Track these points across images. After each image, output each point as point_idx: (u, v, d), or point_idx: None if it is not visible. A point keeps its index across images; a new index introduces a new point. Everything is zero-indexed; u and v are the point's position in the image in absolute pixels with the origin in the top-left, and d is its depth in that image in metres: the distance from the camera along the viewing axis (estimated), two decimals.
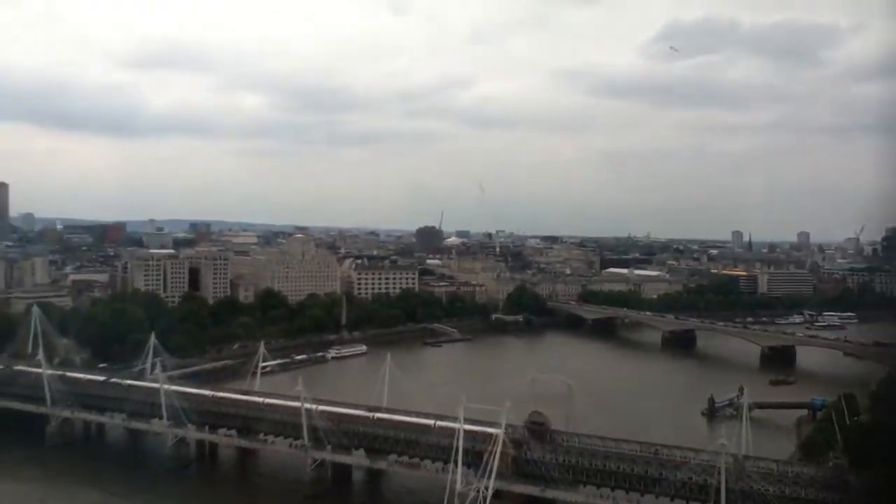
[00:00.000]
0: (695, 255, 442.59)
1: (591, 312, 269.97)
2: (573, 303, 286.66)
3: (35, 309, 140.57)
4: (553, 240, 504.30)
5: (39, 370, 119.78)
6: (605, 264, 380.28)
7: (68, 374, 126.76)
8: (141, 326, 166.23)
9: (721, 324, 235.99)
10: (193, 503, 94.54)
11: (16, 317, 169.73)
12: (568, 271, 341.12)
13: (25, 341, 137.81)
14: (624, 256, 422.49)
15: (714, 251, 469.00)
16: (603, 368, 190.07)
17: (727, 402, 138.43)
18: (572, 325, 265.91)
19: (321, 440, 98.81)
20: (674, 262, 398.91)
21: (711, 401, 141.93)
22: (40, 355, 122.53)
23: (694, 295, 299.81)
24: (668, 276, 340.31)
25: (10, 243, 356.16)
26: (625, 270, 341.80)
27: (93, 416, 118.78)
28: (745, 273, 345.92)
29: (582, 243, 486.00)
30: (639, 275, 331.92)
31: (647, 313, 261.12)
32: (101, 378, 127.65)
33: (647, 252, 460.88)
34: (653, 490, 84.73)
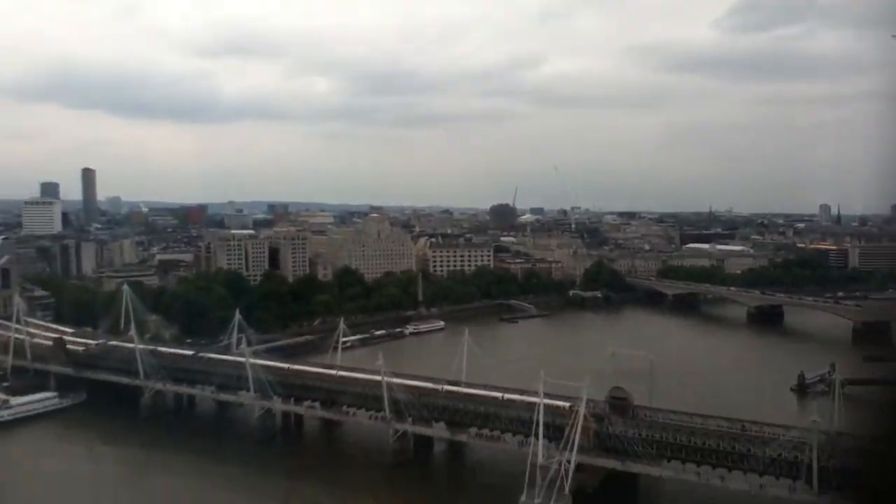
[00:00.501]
0: (780, 230, 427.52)
1: (671, 288, 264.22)
2: (653, 278, 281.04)
3: (125, 287, 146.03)
4: (630, 216, 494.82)
5: (132, 345, 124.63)
6: (686, 240, 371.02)
7: (159, 348, 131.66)
8: (225, 304, 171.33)
9: (810, 299, 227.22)
10: (280, 472, 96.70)
11: (107, 295, 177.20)
12: (647, 247, 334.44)
13: (117, 318, 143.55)
14: (705, 232, 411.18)
15: (801, 225, 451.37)
16: (685, 344, 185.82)
17: (818, 378, 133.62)
18: (652, 301, 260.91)
19: (402, 413, 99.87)
20: (758, 237, 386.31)
21: (801, 377, 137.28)
22: (132, 331, 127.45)
23: (780, 270, 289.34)
24: (751, 250, 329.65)
25: (99, 226, 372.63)
26: (706, 245, 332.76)
27: (183, 389, 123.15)
28: (834, 247, 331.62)
29: (661, 219, 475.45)
30: (721, 250, 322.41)
31: (731, 288, 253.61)
32: (190, 352, 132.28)
33: (730, 227, 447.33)
34: (740, 466, 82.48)
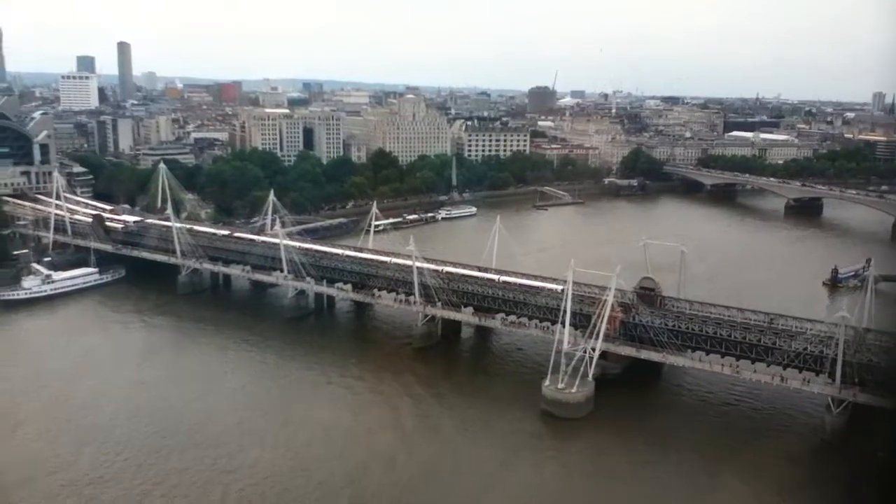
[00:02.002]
0: (828, 119, 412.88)
1: (709, 177, 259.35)
2: (691, 168, 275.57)
3: (162, 166, 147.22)
4: (674, 101, 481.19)
5: (169, 223, 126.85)
6: (729, 127, 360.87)
7: (195, 227, 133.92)
8: (260, 184, 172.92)
9: (852, 192, 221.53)
10: (312, 350, 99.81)
11: (144, 173, 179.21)
12: (688, 134, 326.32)
13: (154, 196, 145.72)
14: (750, 119, 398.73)
15: (850, 114, 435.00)
16: (720, 236, 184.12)
17: (852, 273, 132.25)
18: (690, 190, 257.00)
19: (431, 297, 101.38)
20: (804, 126, 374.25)
21: (835, 271, 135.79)
22: (169, 210, 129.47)
23: (824, 161, 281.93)
24: (796, 140, 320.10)
25: (135, 101, 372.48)
26: (749, 134, 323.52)
27: (219, 268, 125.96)
28: (883, 138, 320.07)
29: (705, 104, 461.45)
30: (764, 139, 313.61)
31: (771, 179, 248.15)
32: (226, 232, 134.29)
33: (776, 115, 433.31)
34: (765, 358, 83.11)
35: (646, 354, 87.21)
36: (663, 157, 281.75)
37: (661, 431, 78.50)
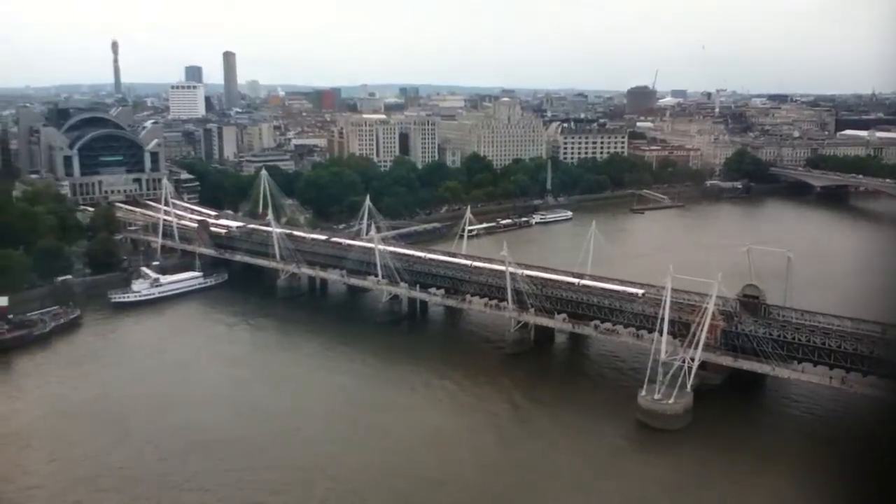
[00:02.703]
0: None
1: (819, 179, 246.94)
2: (800, 169, 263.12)
3: (263, 172, 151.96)
4: (781, 98, 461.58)
5: (270, 229, 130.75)
6: (841, 126, 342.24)
7: (294, 232, 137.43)
8: (356, 189, 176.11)
9: None
10: (404, 355, 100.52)
11: (247, 179, 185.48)
12: (796, 134, 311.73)
13: (256, 202, 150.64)
14: (864, 117, 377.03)
15: None
16: (830, 241, 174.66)
17: None
18: (797, 193, 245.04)
19: (525, 303, 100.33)
20: None
21: None
22: (269, 215, 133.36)
23: None
24: None
25: (239, 109, 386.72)
26: (864, 133, 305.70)
27: (317, 272, 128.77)
28: None
29: (815, 102, 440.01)
30: (880, 137, 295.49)
31: (888, 181, 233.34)
32: (324, 237, 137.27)
33: (893, 112, 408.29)
34: (877, 371, 77.95)
35: (748, 365, 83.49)
36: (769, 158, 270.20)
37: (764, 445, 74.88)
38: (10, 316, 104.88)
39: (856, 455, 70.42)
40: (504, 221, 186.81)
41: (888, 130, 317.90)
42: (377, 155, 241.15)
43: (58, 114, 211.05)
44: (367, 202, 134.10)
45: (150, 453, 73.35)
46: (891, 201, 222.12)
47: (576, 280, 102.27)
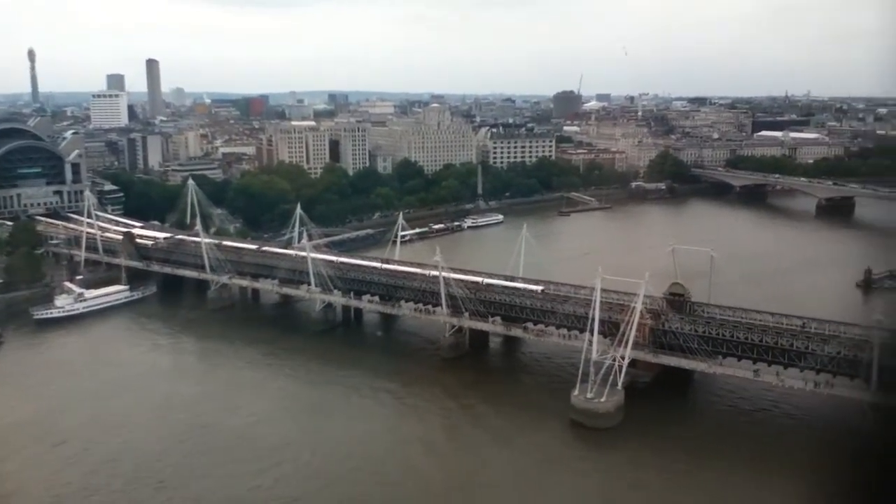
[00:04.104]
0: (859, 116, 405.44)
1: (738, 179, 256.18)
2: (720, 169, 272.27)
3: (190, 182, 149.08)
4: (701, 101, 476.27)
5: (198, 239, 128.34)
6: (758, 127, 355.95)
7: (224, 242, 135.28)
8: (287, 197, 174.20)
9: (886, 191, 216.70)
10: (339, 362, 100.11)
11: (173, 189, 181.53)
12: (716, 135, 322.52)
13: (184, 212, 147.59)
14: (779, 118, 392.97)
15: (883, 110, 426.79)
16: (750, 238, 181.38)
17: (886, 274, 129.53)
18: (718, 192, 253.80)
19: (459, 308, 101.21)
20: (834, 124, 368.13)
21: (868, 273, 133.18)
22: (198, 226, 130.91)
23: (856, 160, 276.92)
24: (827, 138, 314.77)
25: (164, 118, 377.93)
26: (779, 133, 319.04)
27: (248, 283, 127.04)
28: None
29: (733, 105, 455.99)
30: (794, 138, 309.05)
31: (802, 179, 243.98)
32: (254, 246, 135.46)
33: (806, 113, 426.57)
34: (797, 363, 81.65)
35: (675, 362, 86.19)
36: (691, 159, 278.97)
37: (693, 440, 77.45)
38: None
39: (781, 444, 73.92)
40: (436, 226, 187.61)
41: (801, 131, 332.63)
42: (307, 162, 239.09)
43: None
44: (299, 210, 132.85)
45: (78, 481, 71.16)
46: (805, 198, 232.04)
47: (508, 283, 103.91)
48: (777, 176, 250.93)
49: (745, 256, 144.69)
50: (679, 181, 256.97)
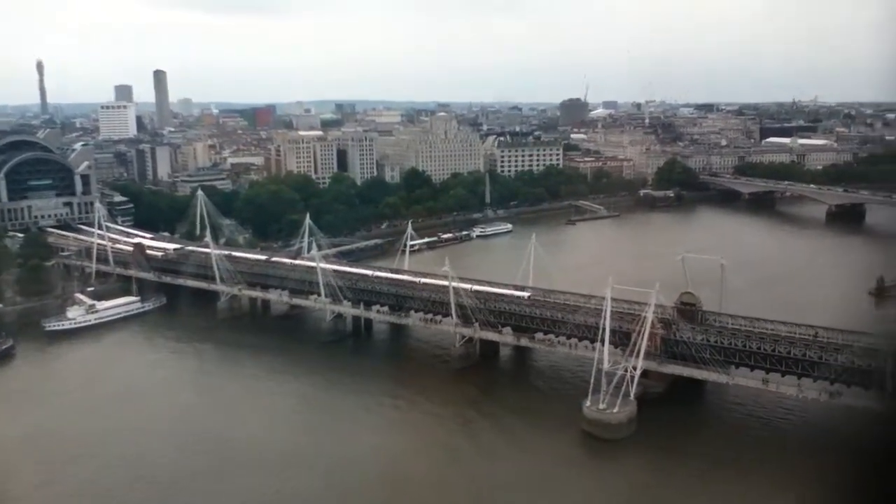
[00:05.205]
0: (868, 121, 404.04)
1: (747, 186, 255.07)
2: (728, 176, 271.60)
3: (199, 193, 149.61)
4: (708, 108, 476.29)
5: (208, 250, 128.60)
6: (766, 133, 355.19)
7: (234, 253, 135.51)
8: (295, 207, 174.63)
9: None
10: (349, 372, 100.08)
11: (182, 200, 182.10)
12: (723, 142, 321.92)
13: (193, 223, 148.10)
14: (787, 124, 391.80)
15: (891, 115, 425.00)
16: (760, 246, 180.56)
17: None
18: (727, 199, 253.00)
19: (469, 318, 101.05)
20: (843, 130, 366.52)
21: (881, 280, 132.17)
22: (208, 236, 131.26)
23: (865, 165, 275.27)
24: (835, 144, 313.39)
25: (172, 129, 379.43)
26: (787, 140, 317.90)
27: (258, 293, 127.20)
28: None
29: (740, 111, 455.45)
30: (802, 144, 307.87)
31: (811, 186, 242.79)
32: (264, 257, 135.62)
33: (814, 119, 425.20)
34: (810, 373, 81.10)
35: (687, 372, 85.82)
36: (699, 166, 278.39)
37: (706, 451, 76.86)
38: None
39: (798, 456, 73.31)
40: (445, 236, 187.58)
41: (809, 137, 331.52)
42: (315, 172, 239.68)
43: None
44: (308, 220, 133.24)
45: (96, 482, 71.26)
46: (815, 205, 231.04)
47: (517, 293, 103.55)
48: (786, 183, 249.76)
49: (755, 264, 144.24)
50: (687, 188, 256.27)
